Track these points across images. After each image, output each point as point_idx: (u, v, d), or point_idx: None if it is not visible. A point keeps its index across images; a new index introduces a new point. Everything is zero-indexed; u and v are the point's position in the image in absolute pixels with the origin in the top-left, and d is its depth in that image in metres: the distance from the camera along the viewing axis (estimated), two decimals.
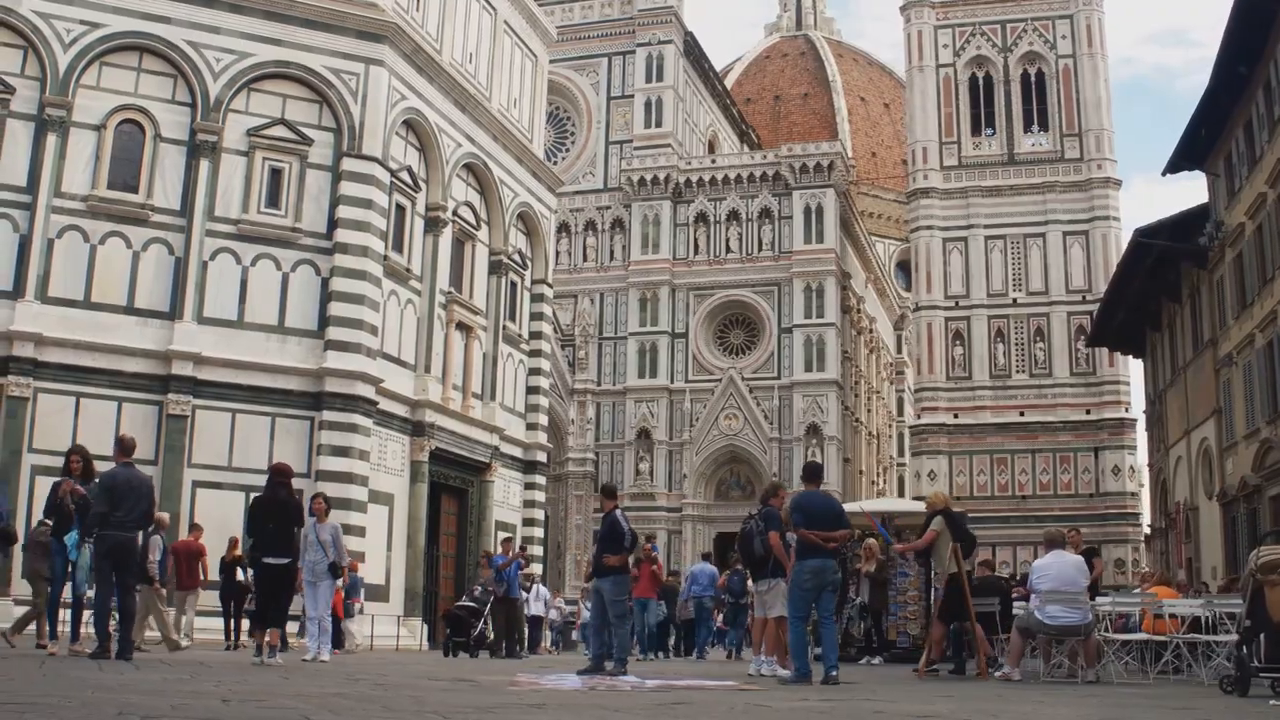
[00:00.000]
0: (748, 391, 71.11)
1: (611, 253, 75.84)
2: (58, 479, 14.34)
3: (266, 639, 14.73)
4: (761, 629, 14.68)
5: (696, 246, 74.62)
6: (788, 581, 13.45)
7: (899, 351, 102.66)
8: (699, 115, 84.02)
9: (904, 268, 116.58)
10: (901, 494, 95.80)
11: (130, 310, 28.20)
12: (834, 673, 12.87)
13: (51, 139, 27.91)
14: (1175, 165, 37.92)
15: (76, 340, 27.29)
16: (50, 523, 15.59)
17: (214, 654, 18.29)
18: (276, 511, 14.74)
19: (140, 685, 9.02)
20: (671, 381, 72.62)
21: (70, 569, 13.84)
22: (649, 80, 76.97)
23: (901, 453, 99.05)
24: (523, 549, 29.80)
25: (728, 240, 74.23)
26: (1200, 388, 38.64)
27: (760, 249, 73.41)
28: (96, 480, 14.17)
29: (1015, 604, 17.05)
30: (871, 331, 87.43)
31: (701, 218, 74.87)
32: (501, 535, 33.44)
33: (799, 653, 13.11)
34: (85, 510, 13.84)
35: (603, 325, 74.66)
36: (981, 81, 73.57)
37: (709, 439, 71.60)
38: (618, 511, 14.88)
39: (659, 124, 76.36)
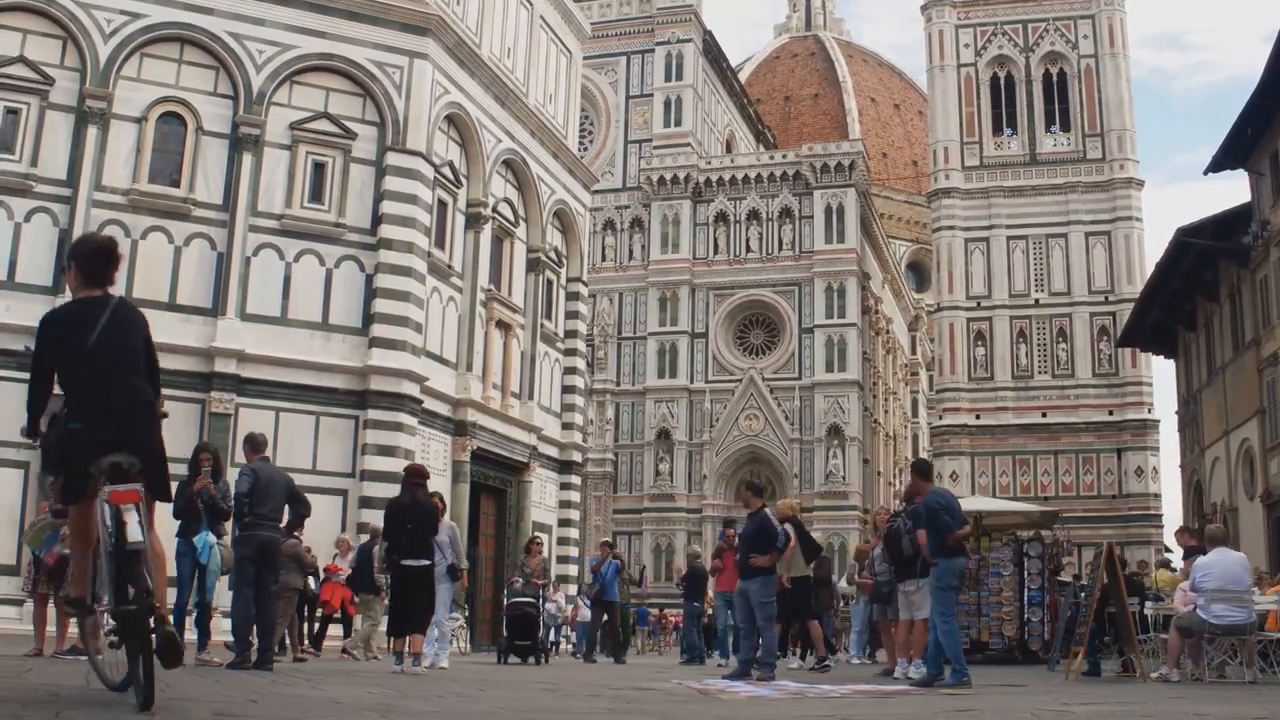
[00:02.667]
0: (768, 392, 70.75)
1: (630, 252, 75.52)
2: (183, 478, 13.88)
3: (407, 647, 14.23)
4: (907, 631, 14.21)
5: (716, 246, 74.26)
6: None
7: (913, 353, 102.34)
8: (717, 115, 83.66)
9: (914, 269, 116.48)
10: None
11: (172, 306, 27.63)
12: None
13: (92, 131, 27.40)
14: (1218, 164, 37.35)
15: None
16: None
17: (328, 663, 17.40)
18: (414, 513, 14.27)
19: (382, 703, 8.31)
20: (691, 382, 72.26)
21: (198, 573, 13.30)
22: (668, 79, 76.64)
23: (916, 454, 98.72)
24: (611, 546, 28.89)
25: (748, 240, 73.88)
26: (1241, 388, 38.12)
27: (781, 249, 73.06)
28: (225, 480, 13.78)
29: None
30: (889, 332, 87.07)
31: (721, 217, 74.52)
32: (601, 539, 32.87)
33: (960, 653, 12.74)
34: (215, 511, 13.41)
35: (622, 325, 74.34)
36: (1003, 81, 73.38)
37: (729, 439, 71.23)
38: (767, 510, 14.49)
39: (678, 123, 76.02)
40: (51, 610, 14.33)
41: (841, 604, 25.67)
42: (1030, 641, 21.15)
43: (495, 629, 28.62)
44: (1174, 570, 21.85)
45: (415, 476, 14.87)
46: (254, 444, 13.57)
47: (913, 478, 13.78)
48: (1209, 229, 37.91)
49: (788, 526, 17.36)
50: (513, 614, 20.17)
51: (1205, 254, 38.75)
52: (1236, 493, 39.00)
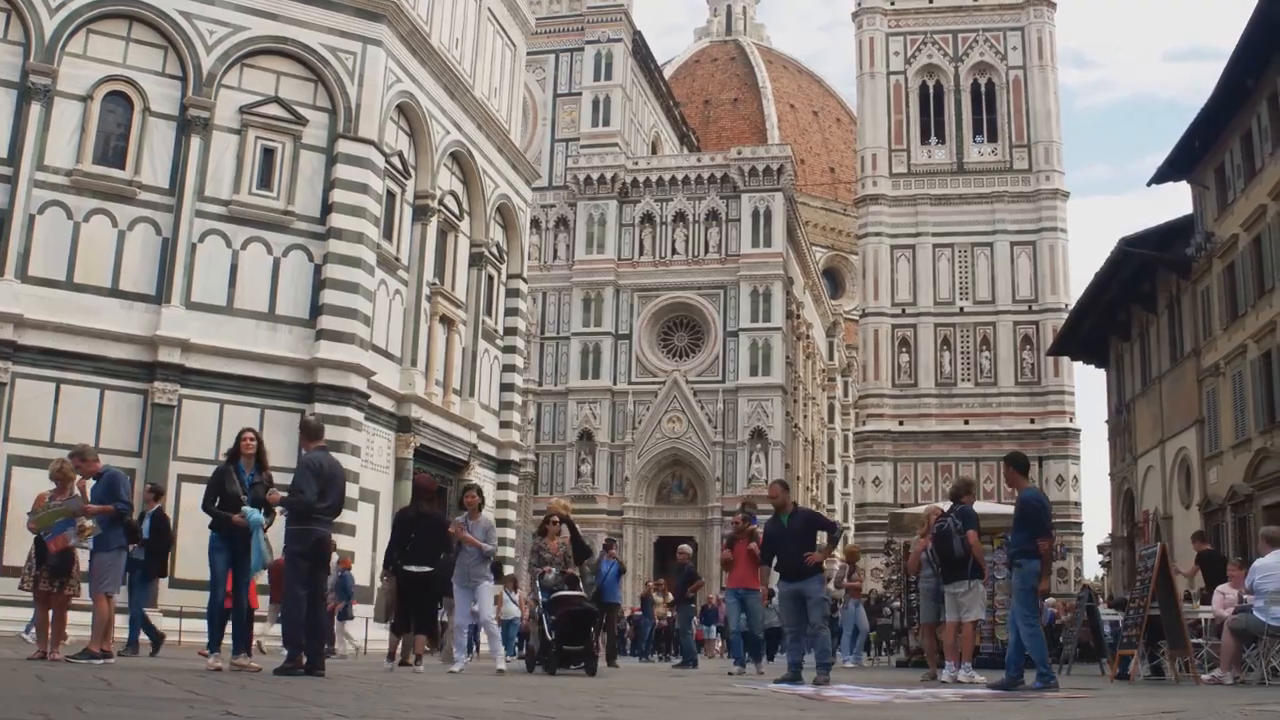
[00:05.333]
0: (691, 395, 70.59)
1: (555, 251, 74.99)
2: (219, 464, 13.18)
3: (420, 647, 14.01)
4: (955, 633, 13.77)
5: (642, 247, 73.99)
6: (986, 584, 12.65)
7: (831, 358, 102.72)
8: (644, 115, 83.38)
9: (829, 275, 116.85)
10: (831, 500, 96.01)
11: (115, 292, 26.62)
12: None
13: (35, 109, 26.29)
14: (1163, 176, 37.60)
15: (58, 323, 25.65)
16: None
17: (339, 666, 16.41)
18: (420, 523, 14.21)
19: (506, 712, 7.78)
20: (614, 383, 71.93)
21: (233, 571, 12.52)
22: (598, 79, 76.21)
23: (832, 459, 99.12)
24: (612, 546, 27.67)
25: (674, 241, 73.71)
26: (1179, 397, 38.38)
27: (707, 251, 72.97)
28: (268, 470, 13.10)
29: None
30: (809, 337, 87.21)
31: (648, 218, 74.27)
32: (605, 539, 32.01)
33: (1045, 656, 12.25)
34: (257, 503, 12.72)
35: (545, 325, 73.85)
36: (932, 90, 73.54)
37: (651, 442, 70.98)
38: (811, 508, 14.08)
39: (606, 123, 75.61)
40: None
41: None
42: None
43: None
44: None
45: (421, 491, 15.46)
46: (310, 431, 12.77)
47: (1008, 471, 12.94)
48: (1152, 240, 38.16)
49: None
50: (565, 612, 16.27)
51: (1145, 265, 39.00)
52: (1171, 501, 39.25)
